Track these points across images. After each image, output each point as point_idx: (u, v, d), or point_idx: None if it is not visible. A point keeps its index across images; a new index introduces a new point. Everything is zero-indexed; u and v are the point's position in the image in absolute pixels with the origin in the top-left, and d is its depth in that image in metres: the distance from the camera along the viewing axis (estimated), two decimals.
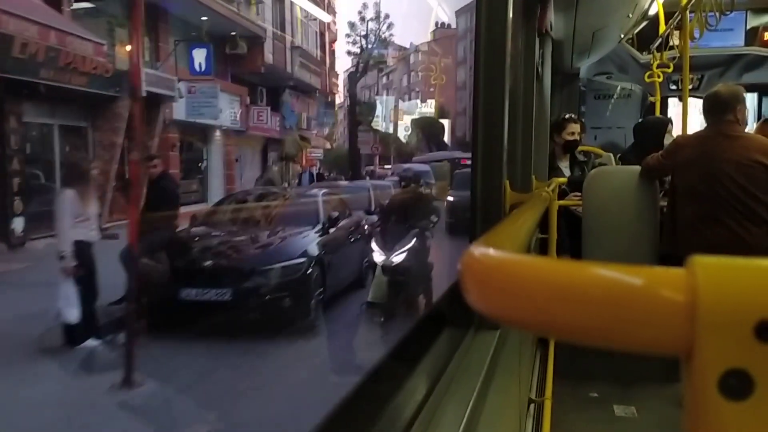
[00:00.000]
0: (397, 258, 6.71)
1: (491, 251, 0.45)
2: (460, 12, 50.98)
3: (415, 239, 6.92)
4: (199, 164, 17.56)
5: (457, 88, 51.90)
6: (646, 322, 0.36)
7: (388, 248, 6.80)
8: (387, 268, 6.64)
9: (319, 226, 8.20)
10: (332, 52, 30.99)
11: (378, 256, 6.83)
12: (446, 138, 43.53)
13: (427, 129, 41.71)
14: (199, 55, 15.86)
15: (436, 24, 55.09)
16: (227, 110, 17.77)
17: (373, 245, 7.09)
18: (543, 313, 0.38)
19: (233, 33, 17.77)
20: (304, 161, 24.98)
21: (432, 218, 7.74)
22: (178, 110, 15.40)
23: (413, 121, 43.73)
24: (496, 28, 2.02)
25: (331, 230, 8.37)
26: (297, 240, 7.78)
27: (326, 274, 7.48)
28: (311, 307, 7.07)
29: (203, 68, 15.91)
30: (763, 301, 0.34)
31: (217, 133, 17.92)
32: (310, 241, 7.77)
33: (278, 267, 7.03)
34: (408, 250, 6.81)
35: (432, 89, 49.66)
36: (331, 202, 9.44)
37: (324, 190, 10.13)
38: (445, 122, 45.68)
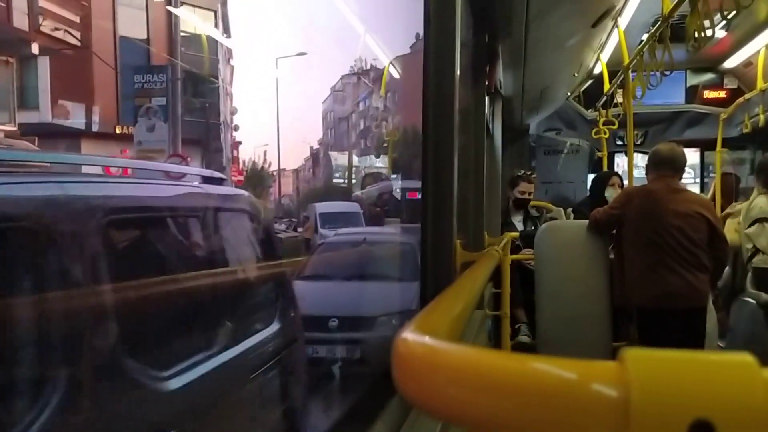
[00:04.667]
0: None
1: (425, 339, 0.43)
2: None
3: None
4: None
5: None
6: (577, 419, 0.34)
7: None
8: None
9: None
10: None
11: None
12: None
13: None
14: None
15: None
16: None
17: None
18: (472, 407, 0.36)
19: None
20: None
21: None
22: None
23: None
24: (444, 86, 2.02)
25: None
26: None
27: None
28: None
29: None
30: (698, 399, 0.32)
31: None
32: None
33: None
34: None
35: None
36: None
37: None
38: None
